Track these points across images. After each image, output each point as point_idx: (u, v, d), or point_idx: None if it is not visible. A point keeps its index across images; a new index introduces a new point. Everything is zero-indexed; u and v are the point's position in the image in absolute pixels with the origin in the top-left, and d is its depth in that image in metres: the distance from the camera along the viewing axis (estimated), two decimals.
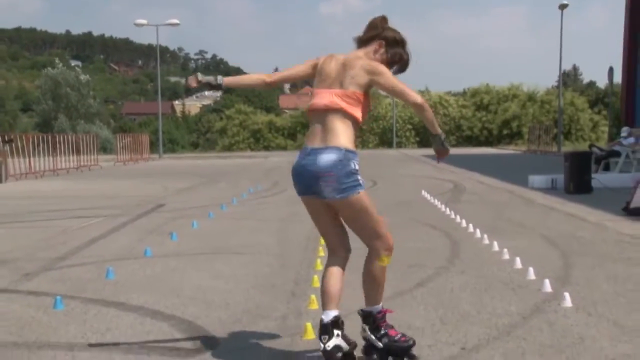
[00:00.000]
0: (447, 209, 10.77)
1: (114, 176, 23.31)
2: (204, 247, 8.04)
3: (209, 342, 4.20)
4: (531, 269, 5.90)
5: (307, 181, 3.20)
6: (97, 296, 5.49)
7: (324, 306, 3.38)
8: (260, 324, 4.57)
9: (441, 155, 3.36)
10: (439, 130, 3.28)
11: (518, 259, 6.34)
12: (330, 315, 3.31)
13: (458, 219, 9.56)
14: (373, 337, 3.39)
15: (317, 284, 5.59)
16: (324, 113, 3.13)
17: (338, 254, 3.39)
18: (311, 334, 4.16)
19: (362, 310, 3.49)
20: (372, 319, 3.42)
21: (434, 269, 6.36)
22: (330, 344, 3.27)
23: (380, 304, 3.44)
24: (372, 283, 3.40)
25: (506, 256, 6.74)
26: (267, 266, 6.71)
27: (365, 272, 3.38)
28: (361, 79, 3.12)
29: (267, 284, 5.86)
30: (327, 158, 3.09)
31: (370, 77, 3.12)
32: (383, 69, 3.14)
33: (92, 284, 5.95)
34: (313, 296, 4.97)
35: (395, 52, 3.23)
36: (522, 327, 4.35)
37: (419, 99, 3.12)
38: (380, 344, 3.36)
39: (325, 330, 3.31)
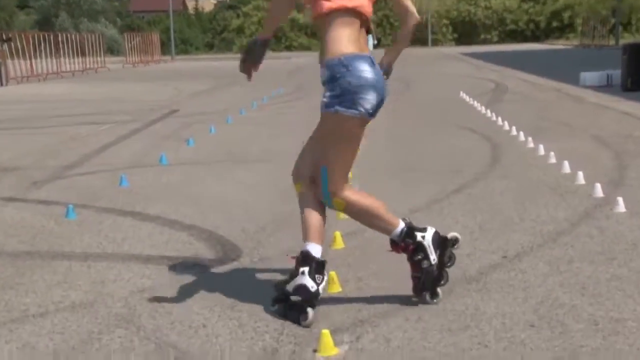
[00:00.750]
0: (488, 111, 10.61)
1: (123, 79, 23.31)
2: (223, 154, 8.09)
3: (231, 252, 4.27)
4: (580, 173, 5.82)
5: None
6: (111, 205, 5.59)
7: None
8: (286, 233, 4.62)
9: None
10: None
11: (566, 163, 6.25)
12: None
13: (500, 120, 9.42)
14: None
15: (341, 215, 5.60)
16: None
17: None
18: (340, 242, 4.21)
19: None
20: (302, 259, 3.10)
21: (472, 174, 6.33)
22: None
23: (308, 245, 3.10)
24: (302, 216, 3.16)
25: (553, 160, 6.66)
26: (289, 175, 6.72)
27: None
28: None
29: (292, 193, 5.83)
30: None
31: None
32: None
33: (105, 193, 6.05)
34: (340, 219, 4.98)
35: None
36: (569, 234, 4.34)
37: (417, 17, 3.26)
38: (289, 290, 3.08)
39: None
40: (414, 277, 3.24)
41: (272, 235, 4.58)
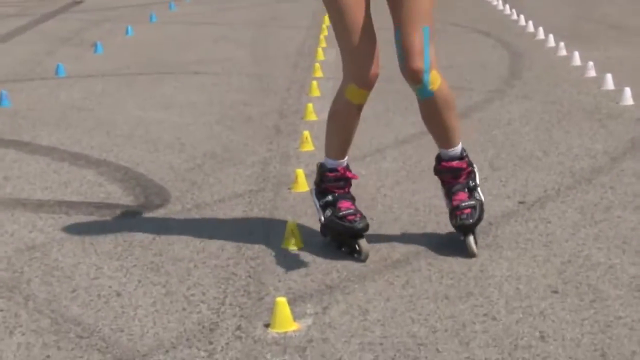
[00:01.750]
0: (507, 6, 10.60)
1: None
2: (144, 63, 8.01)
3: (155, 196, 4.29)
4: (628, 90, 5.89)
5: None
6: None
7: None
8: (229, 171, 4.64)
9: None
10: None
11: (609, 77, 6.31)
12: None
13: (522, 20, 9.42)
14: (317, 203, 3.48)
15: (312, 116, 5.62)
16: None
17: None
18: (303, 185, 4.22)
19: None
20: (320, 176, 3.51)
21: (484, 93, 6.36)
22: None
23: (340, 160, 3.48)
24: (328, 122, 3.49)
25: (592, 72, 6.72)
26: (238, 91, 6.73)
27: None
28: None
29: (239, 117, 5.90)
30: None
31: None
32: None
33: None
34: (306, 133, 5.00)
35: None
36: (609, 172, 4.42)
37: None
38: (322, 217, 3.46)
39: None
40: (461, 210, 3.38)
41: (211, 175, 4.59)
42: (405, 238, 3.57)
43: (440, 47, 8.22)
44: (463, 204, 3.41)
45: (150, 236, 3.69)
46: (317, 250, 3.46)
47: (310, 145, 4.93)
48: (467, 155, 3.53)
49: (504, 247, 3.44)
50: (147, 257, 3.45)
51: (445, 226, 3.58)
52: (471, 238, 3.37)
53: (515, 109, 5.83)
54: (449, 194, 3.47)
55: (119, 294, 3.12)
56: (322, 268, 3.28)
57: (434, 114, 3.44)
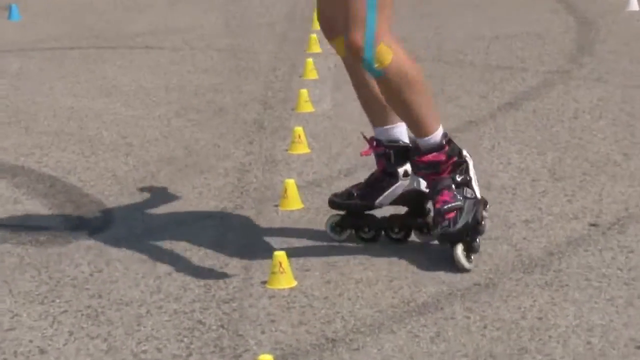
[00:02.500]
0: None
1: None
2: (76, 34, 8.03)
3: (92, 217, 4.30)
4: None
5: None
6: None
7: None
8: (194, 182, 4.66)
9: None
10: None
11: None
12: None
13: None
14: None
15: (306, 106, 5.62)
16: None
17: None
18: (295, 200, 4.22)
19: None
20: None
21: (541, 74, 6.40)
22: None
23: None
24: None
25: None
26: (205, 73, 6.77)
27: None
28: None
29: (208, 107, 5.92)
30: None
31: None
32: None
33: None
34: (298, 130, 5.00)
35: None
36: None
37: None
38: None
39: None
40: (442, 215, 3.58)
41: (169, 186, 4.62)
42: (434, 273, 3.57)
43: (483, 11, 8.25)
44: (445, 207, 3.53)
45: (85, 271, 3.68)
46: (314, 289, 3.47)
47: (305, 146, 4.93)
48: (448, 143, 3.66)
49: (570, 286, 3.44)
50: (81, 300, 3.43)
51: (489, 256, 3.58)
52: (460, 249, 3.51)
53: (584, 97, 5.85)
54: (433, 195, 3.63)
55: (43, 352, 3.10)
56: (322, 314, 3.28)
57: (391, 97, 3.63)
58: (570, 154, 4.85)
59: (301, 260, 3.68)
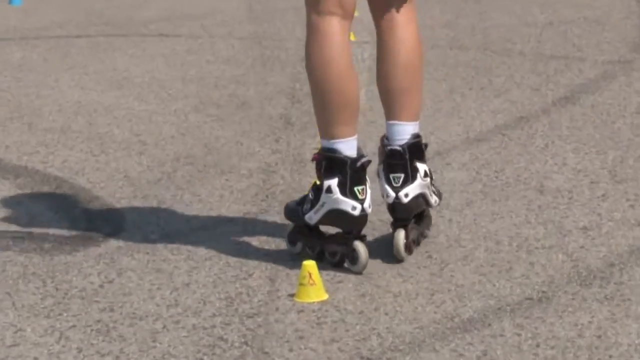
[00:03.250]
0: None
1: None
2: (84, 21, 8.06)
3: (102, 222, 4.33)
4: None
5: None
6: None
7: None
8: (214, 184, 4.69)
9: None
10: None
11: None
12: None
13: None
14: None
15: None
16: None
17: None
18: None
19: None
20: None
21: (600, 65, 6.40)
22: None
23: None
24: None
25: None
26: (227, 63, 6.79)
27: None
28: None
29: (229, 101, 5.95)
30: None
31: None
32: None
33: None
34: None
35: None
36: None
37: None
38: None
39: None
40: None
41: (187, 189, 4.64)
42: (481, 286, 3.59)
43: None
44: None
45: (95, 282, 3.71)
46: (347, 303, 3.49)
47: None
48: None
49: (632, 301, 3.44)
50: (91, 314, 3.46)
51: (542, 267, 3.58)
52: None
53: None
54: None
55: None
56: (356, 331, 3.29)
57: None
58: (632, 153, 4.85)
59: (333, 270, 3.70)
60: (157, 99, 5.97)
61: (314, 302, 3.47)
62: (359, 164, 3.79)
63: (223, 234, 4.12)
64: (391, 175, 3.89)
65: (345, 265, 3.75)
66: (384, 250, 3.85)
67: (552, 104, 5.65)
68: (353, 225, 3.78)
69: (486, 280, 3.62)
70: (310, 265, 3.52)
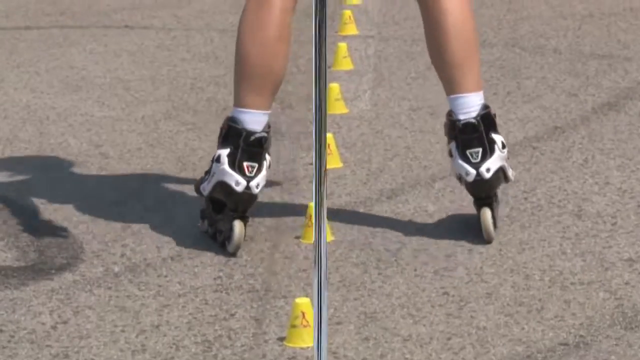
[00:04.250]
0: None
1: None
2: (35, 8, 8.11)
3: (55, 252, 4.33)
4: None
5: None
6: None
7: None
8: (192, 205, 4.70)
9: None
10: None
11: None
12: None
13: None
14: None
15: (339, 107, 5.63)
16: None
17: None
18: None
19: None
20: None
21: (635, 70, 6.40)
22: None
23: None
24: None
25: None
26: (204, 60, 6.87)
27: None
28: None
29: (208, 106, 6.00)
30: None
31: None
32: None
33: None
34: (329, 136, 5.02)
35: None
36: None
37: None
38: None
39: None
40: None
41: (158, 211, 4.66)
42: (507, 329, 3.59)
43: None
44: None
45: (47, 322, 3.71)
46: (348, 349, 3.49)
47: (336, 159, 4.99)
48: None
49: None
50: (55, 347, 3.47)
51: (580, 307, 3.59)
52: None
53: None
54: None
55: None
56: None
57: None
58: None
59: (331, 310, 3.70)
60: (122, 104, 5.98)
61: (307, 348, 3.48)
62: (253, 137, 4.11)
63: (200, 266, 4.12)
64: (468, 151, 4.19)
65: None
66: (392, 285, 3.86)
67: (593, 111, 5.67)
68: (237, 202, 4.15)
69: (513, 322, 3.63)
70: (303, 303, 3.52)
